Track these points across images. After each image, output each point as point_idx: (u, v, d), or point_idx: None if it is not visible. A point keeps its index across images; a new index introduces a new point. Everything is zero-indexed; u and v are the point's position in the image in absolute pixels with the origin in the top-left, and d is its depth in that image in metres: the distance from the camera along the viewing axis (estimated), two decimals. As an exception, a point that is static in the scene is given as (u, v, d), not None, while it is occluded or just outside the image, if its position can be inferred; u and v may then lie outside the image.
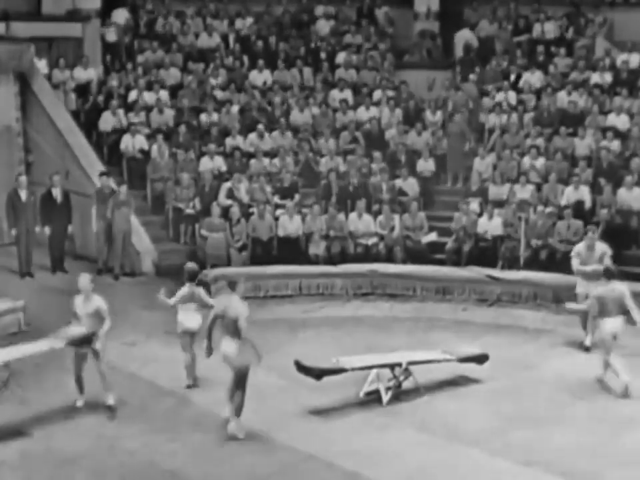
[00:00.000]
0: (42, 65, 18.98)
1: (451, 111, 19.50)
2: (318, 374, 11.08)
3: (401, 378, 11.53)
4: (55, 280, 16.25)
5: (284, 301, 15.69)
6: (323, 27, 22.35)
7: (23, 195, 16.25)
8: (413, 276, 15.84)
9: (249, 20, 22.11)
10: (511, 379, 12.08)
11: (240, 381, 10.28)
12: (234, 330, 10.18)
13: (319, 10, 22.65)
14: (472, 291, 15.62)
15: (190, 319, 11.59)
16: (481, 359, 12.08)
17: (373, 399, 11.29)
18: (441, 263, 16.39)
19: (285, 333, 13.90)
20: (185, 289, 11.64)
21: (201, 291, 11.72)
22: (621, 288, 11.71)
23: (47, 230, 16.39)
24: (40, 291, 15.58)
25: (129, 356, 12.66)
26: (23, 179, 16.48)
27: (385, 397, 11.25)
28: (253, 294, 15.79)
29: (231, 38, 21.78)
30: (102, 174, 16.90)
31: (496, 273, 15.77)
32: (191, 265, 11.98)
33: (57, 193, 16.54)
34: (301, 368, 11.07)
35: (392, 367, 11.54)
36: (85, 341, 10.99)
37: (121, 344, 12.73)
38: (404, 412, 11.07)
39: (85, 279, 11.18)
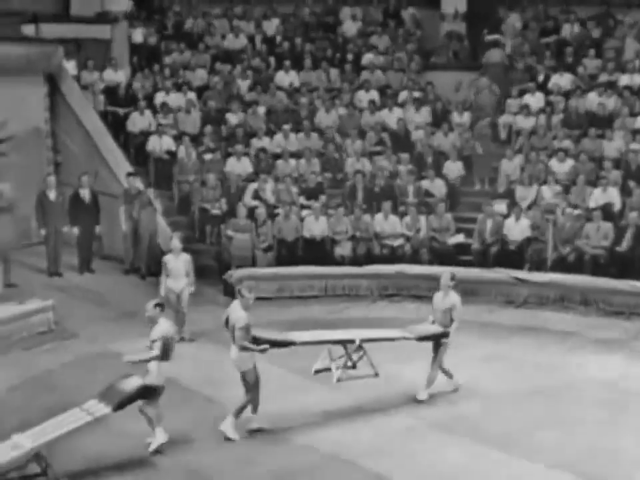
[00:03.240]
0: (71, 66, 19.13)
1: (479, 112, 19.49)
2: (266, 345, 10.42)
3: (355, 357, 11.37)
4: (83, 280, 16.37)
5: (309, 301, 15.72)
6: (350, 28, 22.35)
7: (52, 195, 16.37)
8: (439, 277, 15.74)
9: (275, 21, 22.16)
10: (537, 380, 12.02)
11: (248, 385, 10.26)
12: (233, 336, 10.21)
13: (345, 11, 22.65)
14: (498, 292, 15.59)
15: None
16: (440, 336, 11.42)
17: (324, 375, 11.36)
18: (467, 264, 16.32)
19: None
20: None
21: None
22: None
23: (75, 230, 16.49)
24: (68, 290, 15.69)
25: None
26: (52, 179, 16.60)
27: (336, 375, 11.15)
28: (278, 295, 15.88)
29: (258, 39, 21.85)
30: (129, 174, 16.99)
31: (523, 274, 15.70)
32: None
33: (85, 194, 16.65)
34: (253, 339, 10.40)
35: (344, 343, 11.39)
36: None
37: (147, 344, 12.73)
38: (429, 413, 11.02)
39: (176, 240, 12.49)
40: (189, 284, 13.59)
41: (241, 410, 10.35)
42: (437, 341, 11.37)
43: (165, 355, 9.96)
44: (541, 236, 16.34)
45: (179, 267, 13.54)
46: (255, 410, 10.43)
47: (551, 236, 16.26)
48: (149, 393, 9.82)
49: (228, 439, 10.21)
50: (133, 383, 9.80)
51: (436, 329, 11.45)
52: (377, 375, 11.66)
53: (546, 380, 12.05)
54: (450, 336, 11.33)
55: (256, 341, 10.37)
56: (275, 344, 10.86)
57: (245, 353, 10.18)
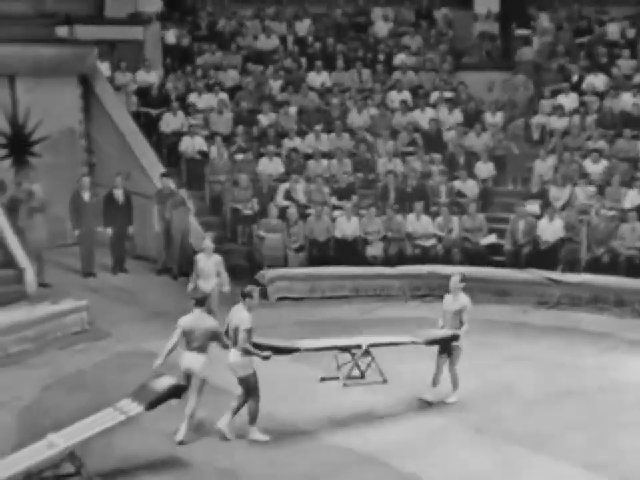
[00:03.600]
0: (104, 67, 19.23)
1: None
2: (271, 351, 10.30)
3: (363, 365, 11.18)
4: (116, 280, 16.47)
5: (341, 302, 15.72)
6: (381, 28, 22.33)
7: (86, 195, 16.47)
8: (471, 278, 15.66)
9: (307, 22, 22.18)
10: (570, 382, 11.93)
11: (248, 390, 10.14)
12: (236, 340, 10.07)
13: (377, 12, 22.64)
14: (531, 293, 15.51)
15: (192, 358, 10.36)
16: (449, 340, 11.24)
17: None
18: (500, 265, 16.25)
19: (341, 333, 13.84)
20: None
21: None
22: None
23: (109, 230, 16.59)
24: (102, 290, 15.79)
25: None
26: (86, 180, 16.71)
27: (342, 380, 11.04)
28: (309, 295, 15.90)
29: (289, 40, 21.88)
30: (162, 175, 17.07)
31: (556, 275, 15.61)
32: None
33: (118, 194, 16.74)
34: (254, 346, 10.22)
35: (350, 349, 11.22)
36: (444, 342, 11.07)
37: (180, 344, 12.78)
38: (461, 414, 10.98)
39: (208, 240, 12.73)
40: (219, 284, 13.62)
41: (254, 417, 10.16)
42: (446, 344, 11.20)
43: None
44: (575, 237, 16.23)
45: (209, 267, 13.60)
46: (253, 421, 10.22)
47: (585, 237, 16.14)
48: (180, 393, 9.84)
49: (258, 442, 10.14)
50: (165, 383, 9.84)
51: (445, 332, 11.28)
52: (385, 381, 11.48)
53: (579, 381, 11.96)
54: (460, 339, 11.16)
55: (258, 347, 10.23)
56: (279, 350, 10.72)
57: (246, 357, 10.02)
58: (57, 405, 11.18)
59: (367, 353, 11.29)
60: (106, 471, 9.44)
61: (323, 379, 11.33)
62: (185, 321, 10.28)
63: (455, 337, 11.14)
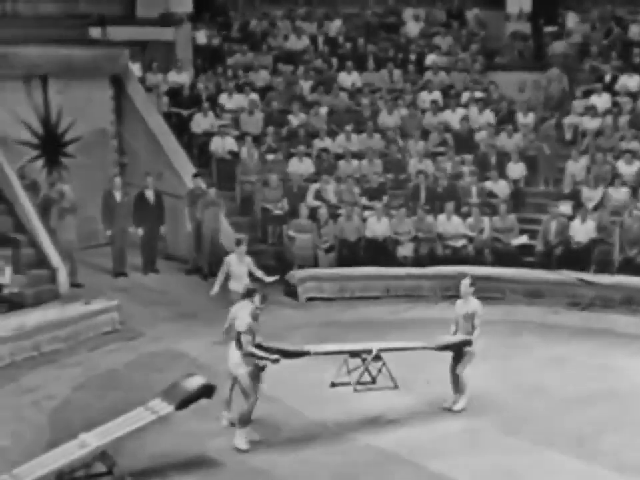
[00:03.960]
0: (136, 68, 19.32)
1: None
2: (279, 355, 10.19)
3: (373, 370, 11.02)
4: (148, 280, 16.54)
5: (370, 302, 15.69)
6: (412, 29, 22.28)
7: (118, 196, 16.56)
8: (502, 278, 15.67)
9: (338, 22, 22.18)
10: (602, 383, 11.84)
11: (243, 390, 10.03)
12: (237, 340, 10.05)
13: (408, 12, 22.59)
14: (563, 294, 15.41)
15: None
16: (462, 345, 11.14)
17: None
18: (531, 265, 16.17)
19: (371, 334, 13.77)
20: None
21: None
22: None
23: (140, 231, 16.67)
24: (133, 290, 15.87)
25: (217, 354, 12.76)
26: (118, 180, 16.80)
27: (353, 386, 10.87)
28: (339, 295, 15.89)
29: (320, 40, 21.89)
30: (194, 175, 17.13)
31: (588, 276, 15.50)
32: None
33: (149, 194, 16.81)
34: (261, 348, 10.15)
35: (360, 354, 11.04)
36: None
37: (212, 343, 12.86)
38: (491, 414, 10.93)
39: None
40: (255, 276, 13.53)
41: (244, 420, 10.00)
42: (459, 350, 11.09)
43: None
44: (608, 238, 16.10)
45: (241, 269, 13.55)
46: (240, 424, 10.03)
47: (618, 238, 16.01)
48: (211, 392, 9.85)
49: (240, 451, 9.93)
50: (195, 382, 9.87)
51: (457, 338, 11.17)
52: (396, 387, 11.32)
53: (611, 383, 11.86)
54: (473, 344, 11.04)
55: (268, 350, 10.18)
56: (289, 354, 10.61)
57: (244, 358, 9.93)
58: (88, 404, 11.26)
59: (377, 357, 11.13)
60: (138, 470, 9.49)
61: (333, 384, 11.21)
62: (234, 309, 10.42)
63: (467, 343, 11.02)
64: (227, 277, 13.59)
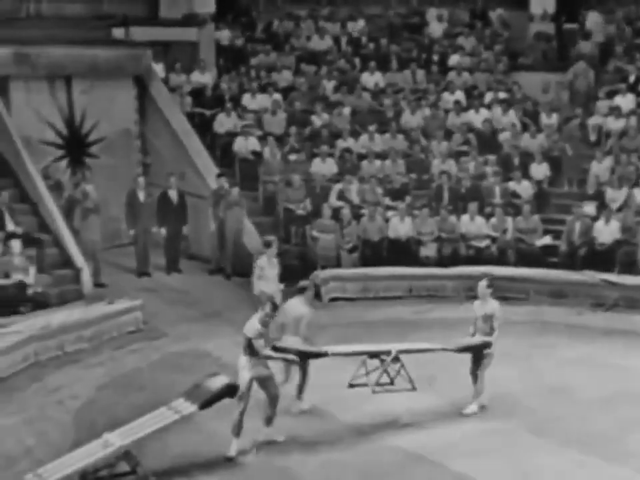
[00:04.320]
0: (159, 68, 19.38)
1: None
2: (297, 355, 10.29)
3: (392, 372, 10.92)
4: (171, 279, 16.59)
5: (394, 302, 15.66)
6: (436, 29, 22.23)
7: (141, 196, 16.61)
8: (526, 279, 15.60)
9: (361, 22, 22.16)
10: (626, 384, 11.75)
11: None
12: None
13: (431, 12, 22.55)
14: (587, 295, 15.32)
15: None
16: (481, 347, 11.04)
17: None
18: (555, 266, 16.09)
19: (394, 334, 13.76)
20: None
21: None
22: None
23: (163, 230, 16.72)
24: (156, 290, 15.92)
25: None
26: (141, 180, 16.85)
27: (372, 388, 10.77)
28: (362, 295, 15.88)
29: (343, 40, 21.89)
30: (218, 175, 17.16)
31: (612, 277, 15.41)
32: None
33: (173, 194, 16.85)
34: (278, 350, 10.20)
35: (379, 355, 10.91)
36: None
37: (235, 343, 12.85)
38: (516, 415, 10.88)
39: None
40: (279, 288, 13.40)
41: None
42: (478, 352, 11.01)
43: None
44: (632, 238, 16.00)
45: (272, 271, 13.43)
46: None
47: (643, 238, 15.93)
48: (234, 392, 9.85)
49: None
50: (218, 382, 9.88)
51: (476, 340, 11.09)
52: (414, 389, 11.11)
53: (635, 384, 11.75)
54: (492, 346, 10.95)
55: (285, 351, 10.20)
56: (306, 355, 10.58)
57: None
58: (112, 404, 11.30)
59: (396, 359, 11.00)
60: (161, 469, 9.51)
61: (351, 385, 11.10)
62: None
63: (487, 345, 10.95)
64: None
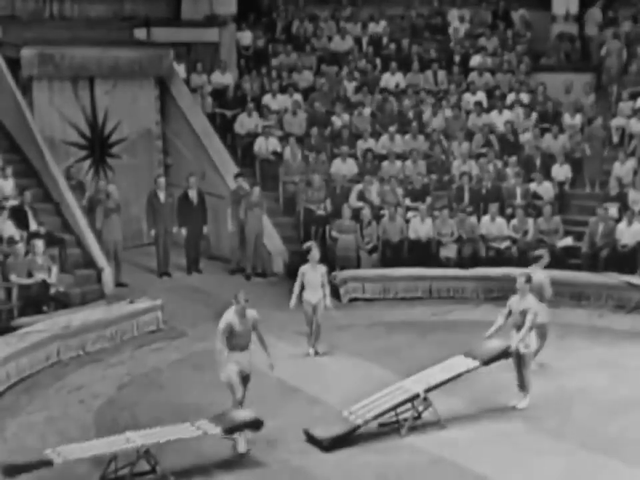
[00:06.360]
0: (180, 69, 19.44)
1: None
2: (327, 446, 10.05)
3: (420, 408, 10.70)
4: (191, 279, 16.65)
5: (414, 303, 15.64)
6: (458, 29, 22.17)
7: (162, 196, 16.68)
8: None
9: (382, 23, 22.14)
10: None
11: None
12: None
13: (453, 13, 22.49)
14: (609, 297, 15.23)
15: None
16: (505, 354, 11.04)
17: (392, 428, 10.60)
18: (577, 268, 16.01)
19: (413, 335, 13.85)
20: None
21: None
22: None
23: (183, 231, 16.77)
24: (177, 290, 15.97)
25: (259, 355, 12.82)
26: (162, 180, 16.92)
27: (403, 429, 10.50)
28: (382, 296, 15.86)
29: (364, 41, 21.87)
30: (237, 175, 17.20)
31: (635, 279, 15.32)
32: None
33: (193, 195, 16.92)
34: (310, 438, 10.23)
35: (409, 401, 10.63)
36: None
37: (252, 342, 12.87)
38: (535, 417, 10.84)
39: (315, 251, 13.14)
40: (324, 296, 13.03)
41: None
42: (507, 356, 11.03)
43: None
44: (654, 240, 15.91)
45: (316, 278, 12.99)
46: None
47: (665, 240, 15.82)
48: (259, 426, 9.86)
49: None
50: (244, 415, 9.94)
51: (500, 345, 11.09)
52: (439, 421, 10.71)
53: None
54: (528, 343, 11.00)
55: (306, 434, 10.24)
56: (339, 440, 10.10)
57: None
58: (133, 403, 11.37)
59: (425, 399, 10.68)
60: (180, 469, 9.55)
61: (381, 425, 10.63)
62: None
63: (507, 349, 10.98)
64: (302, 287, 13.06)
